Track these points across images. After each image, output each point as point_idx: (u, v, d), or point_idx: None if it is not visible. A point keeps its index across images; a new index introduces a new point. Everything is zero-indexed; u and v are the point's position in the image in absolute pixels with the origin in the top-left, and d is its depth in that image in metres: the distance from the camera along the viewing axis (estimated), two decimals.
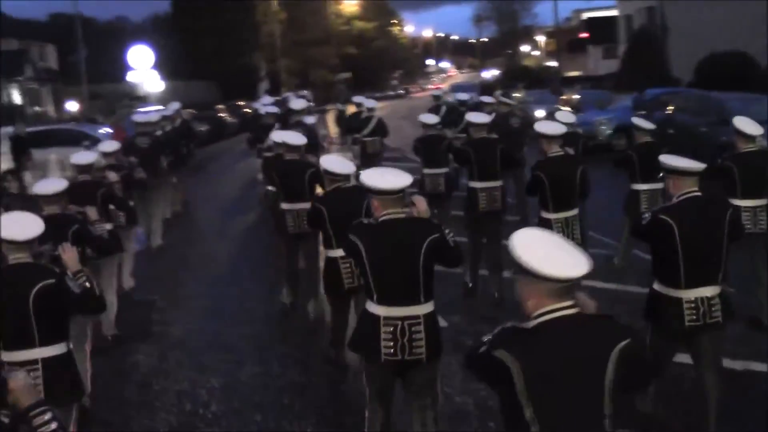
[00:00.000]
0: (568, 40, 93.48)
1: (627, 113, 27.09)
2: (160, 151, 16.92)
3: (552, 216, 9.54)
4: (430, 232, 6.11)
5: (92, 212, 8.76)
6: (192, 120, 37.64)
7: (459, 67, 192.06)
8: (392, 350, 5.97)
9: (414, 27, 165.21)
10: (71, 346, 6.37)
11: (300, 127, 16.62)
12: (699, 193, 6.65)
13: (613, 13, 70.65)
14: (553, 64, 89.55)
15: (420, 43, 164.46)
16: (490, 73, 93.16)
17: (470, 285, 11.63)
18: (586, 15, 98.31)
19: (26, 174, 19.35)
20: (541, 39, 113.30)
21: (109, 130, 27.61)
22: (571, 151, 10.12)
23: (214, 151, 37.53)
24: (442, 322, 6.82)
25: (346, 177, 8.37)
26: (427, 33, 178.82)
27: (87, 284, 6.19)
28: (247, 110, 44.33)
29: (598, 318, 3.94)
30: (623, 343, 3.80)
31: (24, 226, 6.14)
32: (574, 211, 9.68)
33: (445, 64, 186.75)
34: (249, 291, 13.19)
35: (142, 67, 41.98)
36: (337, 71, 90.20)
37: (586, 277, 3.90)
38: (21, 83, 50.31)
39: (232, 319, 11.74)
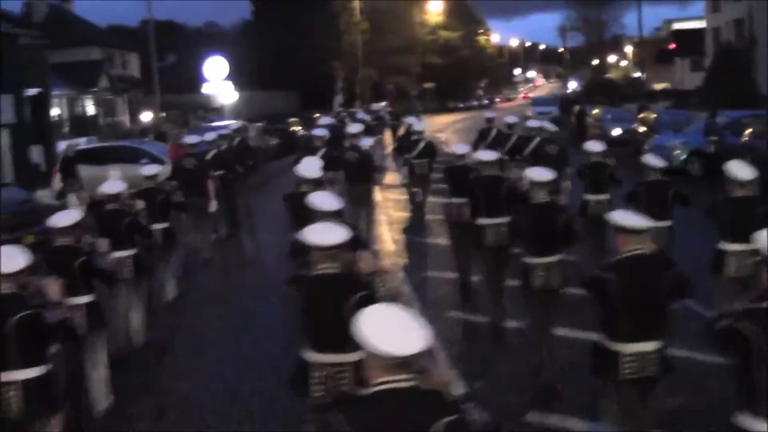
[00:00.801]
0: (656, 51, 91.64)
1: (702, 137, 25.97)
2: (206, 172, 16.86)
3: (534, 261, 9.42)
4: (359, 289, 6.43)
5: (103, 243, 9.40)
6: (261, 134, 37.72)
7: (546, 77, 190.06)
8: (323, 393, 6.44)
9: (502, 35, 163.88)
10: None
11: (354, 151, 16.75)
12: (645, 251, 6.86)
13: (702, 24, 68.83)
14: (640, 75, 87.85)
15: (506, 52, 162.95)
16: (573, 85, 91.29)
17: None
18: (675, 26, 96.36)
19: (70, 197, 18.88)
20: (629, 49, 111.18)
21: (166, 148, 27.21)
22: (563, 199, 10.22)
23: (284, 166, 36.63)
24: None
25: (333, 214, 8.12)
26: (515, 41, 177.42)
27: (64, 316, 7.16)
28: (296, 128, 42.94)
29: (429, 393, 4.19)
30: (449, 418, 4.01)
31: (10, 258, 6.79)
32: (557, 257, 9.47)
33: (531, 74, 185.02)
34: (278, 338, 11.60)
35: (216, 78, 41.77)
36: (421, 80, 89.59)
37: None
38: (96, 94, 50.49)
39: (249, 371, 10.71)
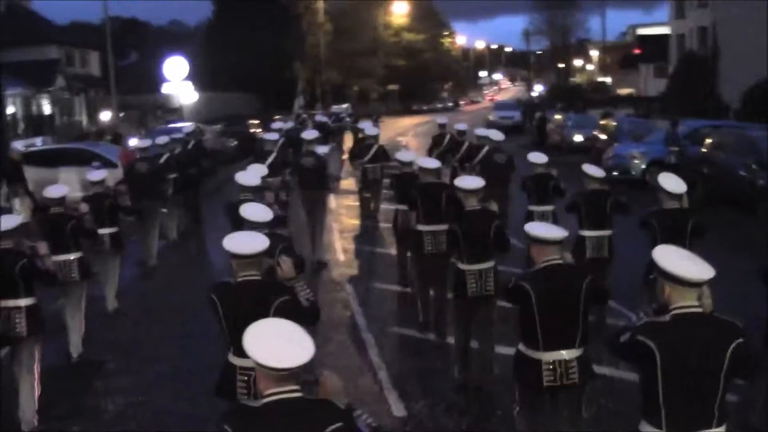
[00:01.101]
0: (621, 57, 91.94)
1: (663, 147, 25.63)
2: (159, 176, 17.41)
3: (466, 267, 9.52)
4: (280, 295, 6.53)
5: (42, 247, 9.15)
6: (218, 136, 37.19)
7: (512, 80, 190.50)
8: (246, 398, 6.46)
9: (468, 38, 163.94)
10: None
11: (310, 156, 16.63)
12: (560, 261, 6.95)
13: (667, 30, 68.90)
14: (605, 79, 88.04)
15: (472, 55, 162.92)
16: (538, 89, 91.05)
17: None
18: (640, 31, 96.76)
19: (14, 201, 18.30)
20: (594, 53, 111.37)
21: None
22: (493, 207, 9.87)
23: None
24: None
25: (262, 225, 8.12)
26: (481, 44, 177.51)
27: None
28: (255, 131, 42.07)
29: (318, 402, 4.39)
30: (334, 426, 4.21)
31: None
32: (489, 264, 9.60)
33: (498, 76, 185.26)
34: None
35: (176, 78, 41.04)
36: (384, 82, 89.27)
37: None
38: (52, 93, 49.48)
39: (187, 389, 10.21)
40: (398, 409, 9.25)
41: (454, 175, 13.39)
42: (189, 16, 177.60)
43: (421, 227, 11.46)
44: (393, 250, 15.45)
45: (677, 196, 9.62)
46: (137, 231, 16.83)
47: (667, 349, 4.95)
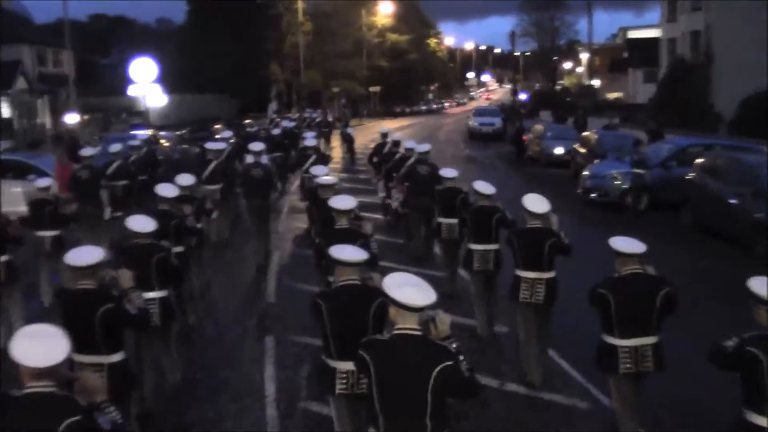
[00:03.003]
0: (610, 60, 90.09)
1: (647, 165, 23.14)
2: (99, 183, 18.31)
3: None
4: (105, 303, 7.24)
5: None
6: (177, 143, 35.29)
7: (500, 81, 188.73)
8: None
9: (456, 38, 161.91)
10: None
11: (258, 167, 17.65)
12: (354, 282, 7.15)
13: (658, 34, 66.95)
14: (593, 83, 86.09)
15: (459, 56, 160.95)
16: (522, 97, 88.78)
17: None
18: (631, 34, 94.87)
19: None
20: (584, 56, 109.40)
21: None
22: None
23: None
24: None
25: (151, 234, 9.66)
26: (469, 45, 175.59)
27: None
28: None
29: (62, 397, 4.91)
30: (71, 419, 4.76)
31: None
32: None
33: (486, 78, 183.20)
34: None
35: (143, 80, 38.86)
36: (367, 84, 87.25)
37: None
38: (10, 95, 47.12)
39: None
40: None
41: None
42: (177, 14, 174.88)
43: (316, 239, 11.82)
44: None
45: (539, 216, 10.11)
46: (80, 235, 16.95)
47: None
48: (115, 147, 20.62)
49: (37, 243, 14.27)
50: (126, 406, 7.40)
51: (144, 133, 26.66)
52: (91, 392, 5.10)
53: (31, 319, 11.58)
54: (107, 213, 17.50)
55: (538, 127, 39.80)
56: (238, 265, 17.35)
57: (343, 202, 10.15)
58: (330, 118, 53.37)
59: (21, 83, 48.36)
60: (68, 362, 4.93)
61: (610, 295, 7.87)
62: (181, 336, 11.43)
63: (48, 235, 14.23)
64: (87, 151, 19.29)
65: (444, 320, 5.73)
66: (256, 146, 18.87)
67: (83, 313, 7.17)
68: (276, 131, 33.39)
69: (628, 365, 7.99)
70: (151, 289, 9.51)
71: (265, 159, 19.00)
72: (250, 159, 18.49)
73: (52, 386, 4.80)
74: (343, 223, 9.96)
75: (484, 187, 12.26)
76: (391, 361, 5.51)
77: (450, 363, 5.45)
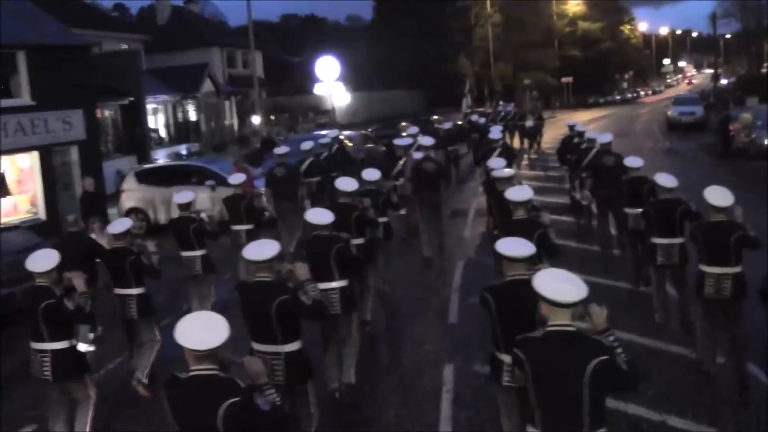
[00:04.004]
0: None
1: None
2: (297, 179, 18.90)
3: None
4: (279, 294, 7.67)
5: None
6: (363, 141, 34.97)
7: (698, 67, 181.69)
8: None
9: (649, 24, 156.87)
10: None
11: (431, 162, 17.63)
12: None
13: None
14: None
15: (654, 42, 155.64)
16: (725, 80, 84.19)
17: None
18: None
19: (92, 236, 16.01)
20: None
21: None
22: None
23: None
24: None
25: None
26: (664, 30, 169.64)
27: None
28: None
29: (224, 379, 5.34)
30: (231, 401, 5.19)
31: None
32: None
33: (683, 64, 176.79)
34: None
35: (328, 78, 38.81)
36: (558, 75, 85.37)
37: None
38: (197, 98, 47.91)
39: None
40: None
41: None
42: (367, 11, 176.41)
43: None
44: None
45: (722, 209, 9.79)
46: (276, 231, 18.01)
47: None
48: (307, 145, 20.75)
49: (234, 236, 15.50)
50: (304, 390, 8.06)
51: (332, 131, 26.21)
52: (254, 376, 5.60)
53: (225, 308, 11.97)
54: (308, 207, 16.98)
55: (746, 116, 36.43)
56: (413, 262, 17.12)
57: (519, 193, 10.07)
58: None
59: (208, 86, 49.14)
60: (228, 346, 5.40)
61: None
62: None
63: (243, 229, 15.38)
64: (281, 150, 19.83)
65: (599, 313, 5.74)
66: (426, 141, 18.71)
67: (260, 305, 7.66)
68: (447, 125, 33.53)
69: None
70: (332, 279, 9.80)
71: (416, 155, 18.75)
72: (419, 154, 18.10)
73: (214, 369, 5.32)
74: (520, 214, 9.88)
75: (666, 180, 11.91)
76: (545, 358, 5.54)
77: (605, 357, 5.42)
